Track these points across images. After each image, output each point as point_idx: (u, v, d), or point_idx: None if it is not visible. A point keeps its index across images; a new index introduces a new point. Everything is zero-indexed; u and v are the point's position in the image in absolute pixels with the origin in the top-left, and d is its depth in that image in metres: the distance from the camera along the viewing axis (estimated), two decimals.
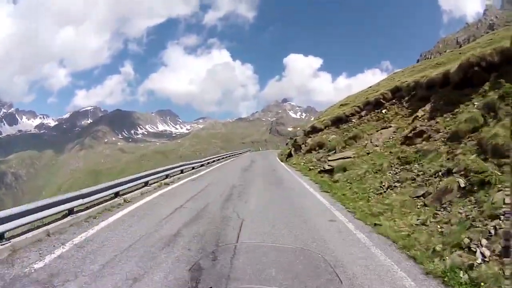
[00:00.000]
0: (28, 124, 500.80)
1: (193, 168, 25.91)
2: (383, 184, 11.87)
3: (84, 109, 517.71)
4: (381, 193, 11.37)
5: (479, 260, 5.30)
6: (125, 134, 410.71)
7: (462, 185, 7.97)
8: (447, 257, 5.69)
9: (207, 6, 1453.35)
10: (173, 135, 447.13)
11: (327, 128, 30.42)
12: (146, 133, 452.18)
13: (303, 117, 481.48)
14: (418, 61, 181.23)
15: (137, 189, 14.52)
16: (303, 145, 32.60)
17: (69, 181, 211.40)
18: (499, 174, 7.23)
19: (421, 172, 10.68)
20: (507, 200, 6.24)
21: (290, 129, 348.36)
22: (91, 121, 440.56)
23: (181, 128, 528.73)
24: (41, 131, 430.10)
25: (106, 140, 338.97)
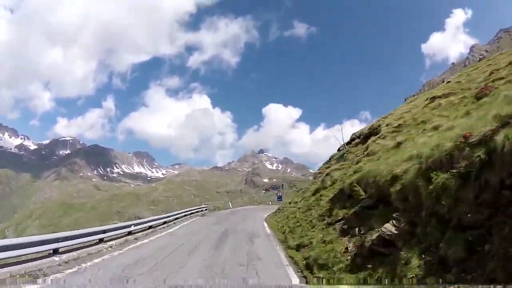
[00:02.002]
0: (9, 142, 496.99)
1: None
2: None
3: (63, 138, 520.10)
4: None
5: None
6: (101, 171, 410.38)
7: None
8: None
9: (192, 47, 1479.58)
10: (148, 178, 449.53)
11: None
12: (121, 173, 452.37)
13: (279, 168, 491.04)
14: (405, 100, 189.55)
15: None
16: None
17: (41, 209, 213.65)
18: None
19: None
20: None
21: (265, 180, 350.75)
22: (69, 152, 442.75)
23: (157, 172, 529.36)
24: (21, 152, 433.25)
25: (81, 174, 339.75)
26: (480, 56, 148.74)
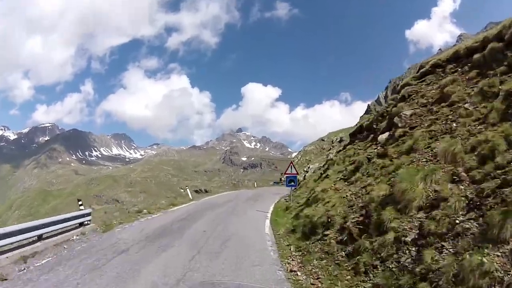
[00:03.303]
0: None
1: None
2: None
3: (43, 125, 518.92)
4: None
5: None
6: (79, 155, 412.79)
7: None
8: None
9: (172, 28, 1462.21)
10: (127, 159, 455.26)
11: None
12: (100, 156, 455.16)
13: (257, 147, 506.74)
14: (386, 88, 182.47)
15: None
16: None
17: (20, 199, 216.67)
18: None
19: None
20: None
21: (244, 159, 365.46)
22: (48, 138, 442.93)
23: (135, 153, 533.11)
24: (1, 143, 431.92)
25: (60, 160, 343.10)
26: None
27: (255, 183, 64.07)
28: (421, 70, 15.78)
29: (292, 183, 22.72)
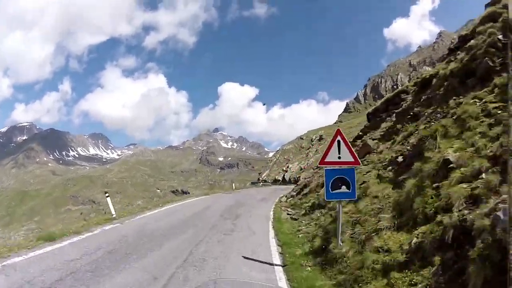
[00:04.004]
0: None
1: None
2: None
3: (21, 124, 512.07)
4: None
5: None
6: (57, 155, 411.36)
7: None
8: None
9: (149, 27, 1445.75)
10: (104, 160, 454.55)
11: None
12: (77, 156, 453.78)
13: (234, 147, 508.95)
14: (365, 86, 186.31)
15: None
16: None
17: None
18: None
19: None
20: None
21: (221, 159, 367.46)
22: (26, 138, 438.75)
23: (112, 153, 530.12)
24: None
25: (38, 160, 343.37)
26: (452, 40, 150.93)
27: (234, 185, 52.47)
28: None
29: (343, 190, 7.56)
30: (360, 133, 20.84)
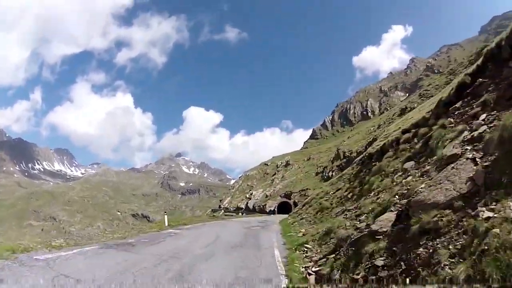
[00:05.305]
0: None
1: None
2: None
3: None
4: None
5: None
6: (23, 167, 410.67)
7: None
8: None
9: (122, 43, 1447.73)
10: (68, 176, 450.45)
11: None
12: (42, 170, 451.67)
13: (196, 173, 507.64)
14: (333, 112, 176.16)
15: None
16: None
17: None
18: None
19: None
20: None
21: (182, 184, 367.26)
22: None
23: (76, 171, 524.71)
24: None
25: (4, 169, 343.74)
26: (428, 64, 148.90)
27: (166, 218, 26.58)
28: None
29: None
30: None
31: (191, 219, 32.17)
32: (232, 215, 50.13)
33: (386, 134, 26.21)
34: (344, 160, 66.92)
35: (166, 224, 22.94)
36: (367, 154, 23.05)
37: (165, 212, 23.66)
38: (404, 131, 17.02)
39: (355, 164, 26.85)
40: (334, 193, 23.75)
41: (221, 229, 20.33)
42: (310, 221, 21.47)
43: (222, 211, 68.64)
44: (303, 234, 16.33)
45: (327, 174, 67.87)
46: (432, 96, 54.43)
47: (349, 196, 18.54)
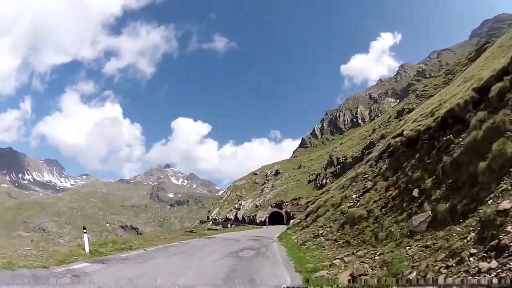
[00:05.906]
0: None
1: None
2: None
3: None
4: None
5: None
6: (13, 177, 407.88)
7: None
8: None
9: (111, 53, 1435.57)
10: (57, 187, 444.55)
11: None
12: (32, 180, 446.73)
13: (185, 184, 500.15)
14: (322, 120, 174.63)
15: None
16: None
17: None
18: None
19: None
20: None
21: (171, 195, 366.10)
22: None
23: (66, 182, 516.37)
24: None
25: None
26: (419, 69, 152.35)
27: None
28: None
29: None
30: None
31: (153, 237, 22.70)
32: (217, 229, 45.93)
33: (422, 114, 20.77)
34: (339, 166, 66.93)
35: (87, 250, 12.82)
36: (404, 139, 17.79)
37: (84, 229, 13.60)
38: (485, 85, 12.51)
39: (373, 160, 22.50)
40: (361, 195, 17.61)
41: (186, 263, 11.74)
42: (337, 240, 14.59)
43: (211, 222, 66.45)
44: (352, 277, 8.48)
45: (320, 182, 67.50)
46: (431, 95, 53.58)
47: (398, 199, 13.00)
